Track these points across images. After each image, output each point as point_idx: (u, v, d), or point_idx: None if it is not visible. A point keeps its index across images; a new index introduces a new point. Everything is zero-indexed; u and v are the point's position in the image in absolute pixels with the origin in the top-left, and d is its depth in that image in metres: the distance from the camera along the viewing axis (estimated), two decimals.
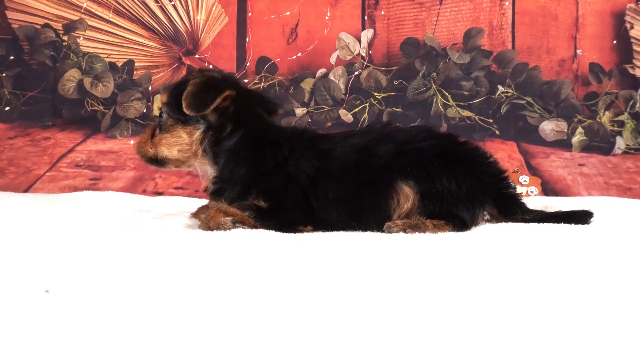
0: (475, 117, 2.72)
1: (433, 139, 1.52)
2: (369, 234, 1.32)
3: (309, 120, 2.73)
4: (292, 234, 1.28)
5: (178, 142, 1.47)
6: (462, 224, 1.41)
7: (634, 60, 2.71)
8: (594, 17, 2.74)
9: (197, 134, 1.46)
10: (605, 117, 2.70)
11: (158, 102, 1.49)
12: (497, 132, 2.72)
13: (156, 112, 1.48)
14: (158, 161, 1.51)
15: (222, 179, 1.47)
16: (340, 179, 1.44)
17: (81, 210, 1.62)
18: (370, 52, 2.78)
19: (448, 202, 1.40)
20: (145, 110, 2.75)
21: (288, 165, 1.43)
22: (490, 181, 1.52)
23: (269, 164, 1.43)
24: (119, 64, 2.78)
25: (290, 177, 1.42)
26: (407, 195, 1.39)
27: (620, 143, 2.67)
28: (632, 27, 2.71)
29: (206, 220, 1.34)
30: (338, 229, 1.41)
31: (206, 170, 1.53)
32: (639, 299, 0.74)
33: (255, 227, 1.31)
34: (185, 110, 1.38)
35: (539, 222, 1.51)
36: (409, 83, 2.74)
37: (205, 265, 0.87)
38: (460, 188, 1.41)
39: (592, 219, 1.54)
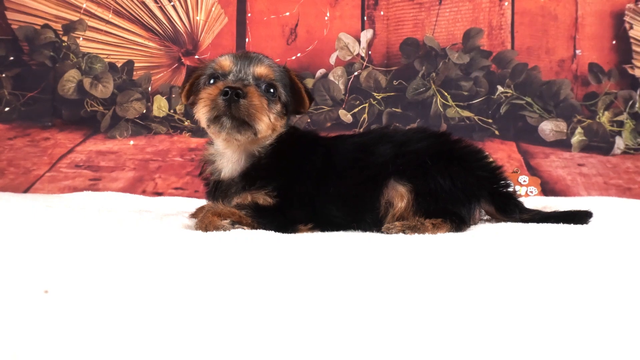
0: (475, 117, 2.73)
1: (428, 138, 1.53)
2: (368, 234, 1.32)
3: (309, 120, 2.73)
4: (291, 235, 1.27)
5: None
6: (460, 221, 1.42)
7: (633, 61, 2.71)
8: (593, 17, 2.74)
9: None
10: (604, 117, 2.71)
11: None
12: (497, 132, 2.72)
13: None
14: None
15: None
16: (341, 176, 1.45)
17: (81, 211, 1.62)
18: (370, 52, 2.78)
19: (443, 199, 1.41)
20: (144, 111, 2.75)
21: (296, 162, 1.44)
22: (485, 175, 1.53)
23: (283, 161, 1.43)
24: (119, 65, 2.78)
25: (300, 174, 1.42)
26: (401, 195, 1.40)
27: (620, 143, 2.68)
28: (631, 28, 2.71)
29: (201, 222, 1.31)
30: (336, 225, 1.42)
31: None
32: (638, 298, 0.74)
33: (253, 226, 1.30)
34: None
35: (538, 222, 1.51)
36: (408, 83, 2.74)
37: (204, 265, 0.87)
38: (455, 184, 1.42)
39: (591, 219, 1.54)
